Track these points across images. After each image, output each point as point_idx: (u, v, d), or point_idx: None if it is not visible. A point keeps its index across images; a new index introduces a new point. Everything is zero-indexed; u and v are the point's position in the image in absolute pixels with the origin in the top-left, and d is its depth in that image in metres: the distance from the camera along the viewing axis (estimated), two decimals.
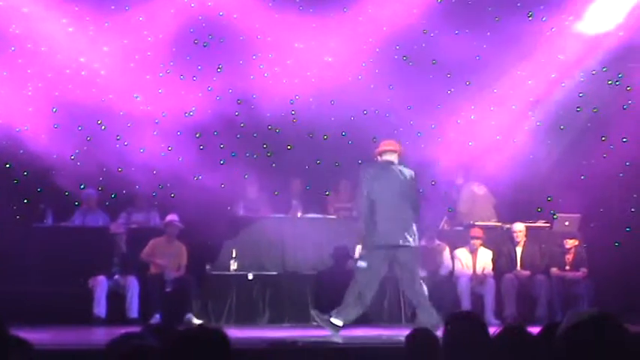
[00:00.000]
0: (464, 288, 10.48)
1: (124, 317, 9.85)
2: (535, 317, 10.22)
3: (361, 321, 8.52)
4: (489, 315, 10.19)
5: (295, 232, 10.81)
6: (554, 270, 10.72)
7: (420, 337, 4.36)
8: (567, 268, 10.76)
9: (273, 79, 11.75)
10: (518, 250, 10.84)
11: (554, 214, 11.42)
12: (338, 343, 7.45)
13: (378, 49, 11.91)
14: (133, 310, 10.01)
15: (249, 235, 10.73)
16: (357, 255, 8.38)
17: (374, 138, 10.55)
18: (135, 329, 3.70)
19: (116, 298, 10.08)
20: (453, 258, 10.78)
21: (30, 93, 11.36)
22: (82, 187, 11.42)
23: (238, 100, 12.02)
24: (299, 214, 11.28)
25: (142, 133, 11.41)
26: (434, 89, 11.80)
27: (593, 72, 11.86)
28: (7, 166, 11.54)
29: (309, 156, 12.25)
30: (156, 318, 9.77)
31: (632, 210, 12.04)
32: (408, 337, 4.37)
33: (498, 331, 3.37)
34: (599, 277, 10.71)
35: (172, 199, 11.26)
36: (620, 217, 12.00)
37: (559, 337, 2.71)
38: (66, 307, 9.70)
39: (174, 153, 11.46)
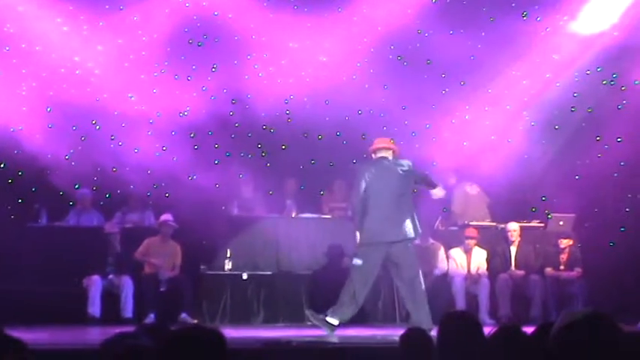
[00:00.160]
0: (458, 288, 10.49)
1: (118, 317, 9.85)
2: (529, 317, 10.24)
3: (356, 321, 8.54)
4: (484, 315, 10.18)
5: (290, 232, 10.83)
6: (548, 270, 10.71)
7: (415, 336, 4.36)
8: (562, 267, 10.75)
9: (268, 79, 11.75)
10: (513, 249, 10.85)
11: (548, 214, 11.43)
12: (332, 343, 7.44)
13: (372, 49, 11.92)
14: (128, 309, 10.01)
15: (244, 234, 10.73)
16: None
17: (363, 135, 10.59)
18: (129, 329, 3.69)
19: (110, 297, 10.08)
20: (447, 258, 10.79)
21: (24, 92, 11.33)
22: (76, 186, 11.41)
23: (233, 99, 12.02)
24: (293, 214, 11.28)
25: (137, 133, 11.39)
26: (428, 89, 11.78)
27: (588, 72, 11.85)
28: (2, 165, 11.55)
29: (304, 156, 12.24)
30: (150, 318, 9.77)
31: (627, 210, 12.03)
32: (402, 336, 4.36)
33: (493, 330, 3.36)
34: (594, 277, 10.70)
35: (167, 199, 11.28)
36: (615, 217, 11.98)
37: (553, 336, 2.72)
38: (60, 306, 9.66)
39: (169, 153, 11.47)
